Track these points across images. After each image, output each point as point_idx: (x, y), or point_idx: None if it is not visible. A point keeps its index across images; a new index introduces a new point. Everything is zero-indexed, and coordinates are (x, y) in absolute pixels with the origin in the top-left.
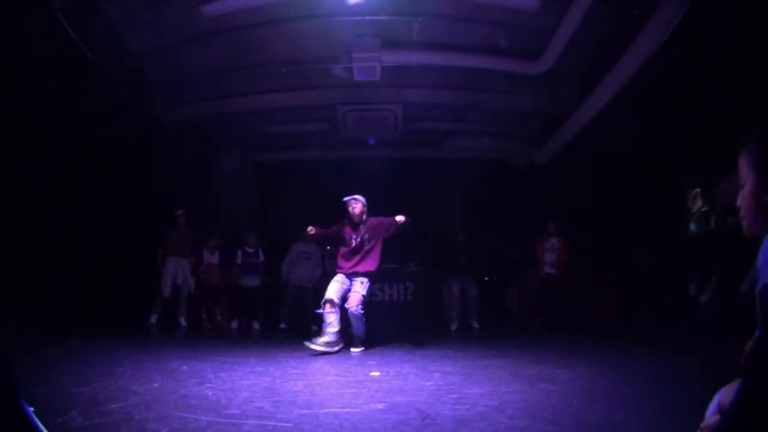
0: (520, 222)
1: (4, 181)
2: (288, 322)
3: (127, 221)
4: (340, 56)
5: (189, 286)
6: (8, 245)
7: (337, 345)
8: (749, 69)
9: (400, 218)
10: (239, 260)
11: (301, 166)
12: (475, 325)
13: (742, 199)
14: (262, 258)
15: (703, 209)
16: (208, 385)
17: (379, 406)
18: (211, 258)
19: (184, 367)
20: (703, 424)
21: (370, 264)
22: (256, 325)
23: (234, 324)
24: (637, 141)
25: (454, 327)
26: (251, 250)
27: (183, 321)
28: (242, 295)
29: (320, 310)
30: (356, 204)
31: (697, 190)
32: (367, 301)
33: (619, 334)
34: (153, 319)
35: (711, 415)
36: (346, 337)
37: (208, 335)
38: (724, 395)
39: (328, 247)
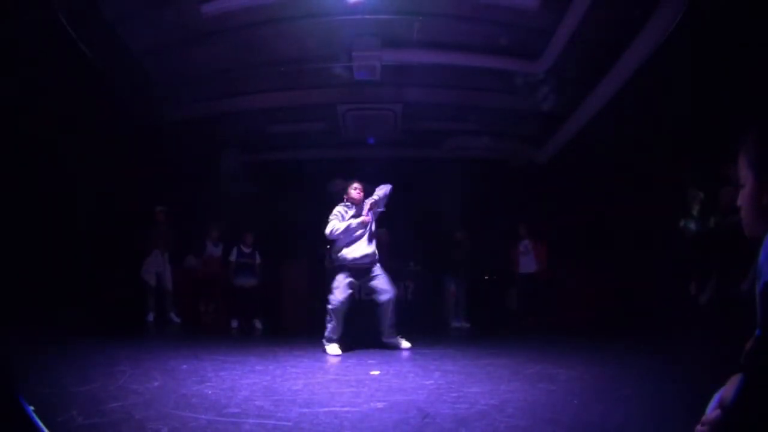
0: (519, 222)
1: (4, 181)
2: None
3: (127, 220)
4: (340, 55)
5: (168, 280)
6: (8, 245)
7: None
8: (748, 68)
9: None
10: (233, 257)
11: (301, 165)
12: (465, 324)
13: (742, 200)
14: (258, 260)
15: (704, 209)
16: (208, 384)
17: (379, 404)
18: (214, 250)
19: (184, 366)
20: (703, 419)
21: None
22: (258, 324)
23: (234, 323)
24: (636, 140)
25: (455, 324)
26: (247, 251)
27: (174, 317)
28: (239, 295)
29: None
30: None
31: (698, 191)
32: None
33: (619, 333)
34: (150, 317)
35: (711, 410)
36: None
37: (207, 334)
38: (725, 391)
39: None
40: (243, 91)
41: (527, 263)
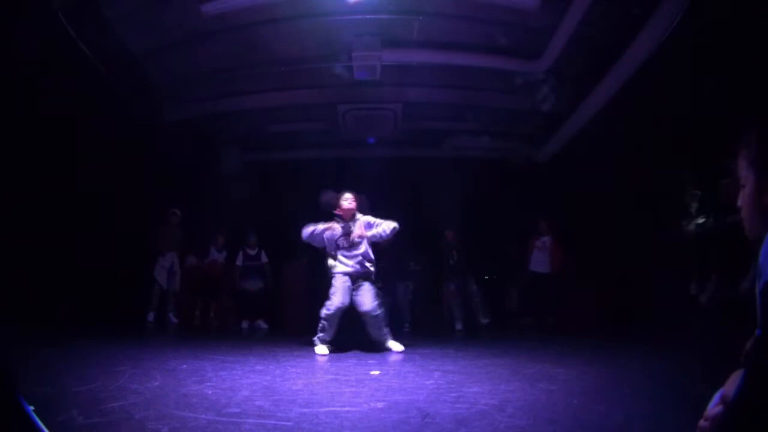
0: (520, 221)
1: (3, 181)
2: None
3: (127, 220)
4: (340, 55)
5: (176, 282)
6: (8, 245)
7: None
8: (748, 68)
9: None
10: (239, 262)
11: (301, 165)
12: (484, 320)
13: (743, 201)
14: (265, 260)
15: (703, 208)
16: (208, 383)
17: (379, 404)
18: (218, 256)
19: (184, 366)
20: (706, 413)
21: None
22: (263, 325)
23: (245, 324)
24: (636, 140)
25: (459, 327)
26: (252, 252)
27: (173, 318)
28: (246, 298)
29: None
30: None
31: (698, 191)
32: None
33: (619, 333)
34: (150, 317)
35: (713, 406)
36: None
37: (207, 334)
38: (727, 387)
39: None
40: (243, 91)
41: (540, 261)
